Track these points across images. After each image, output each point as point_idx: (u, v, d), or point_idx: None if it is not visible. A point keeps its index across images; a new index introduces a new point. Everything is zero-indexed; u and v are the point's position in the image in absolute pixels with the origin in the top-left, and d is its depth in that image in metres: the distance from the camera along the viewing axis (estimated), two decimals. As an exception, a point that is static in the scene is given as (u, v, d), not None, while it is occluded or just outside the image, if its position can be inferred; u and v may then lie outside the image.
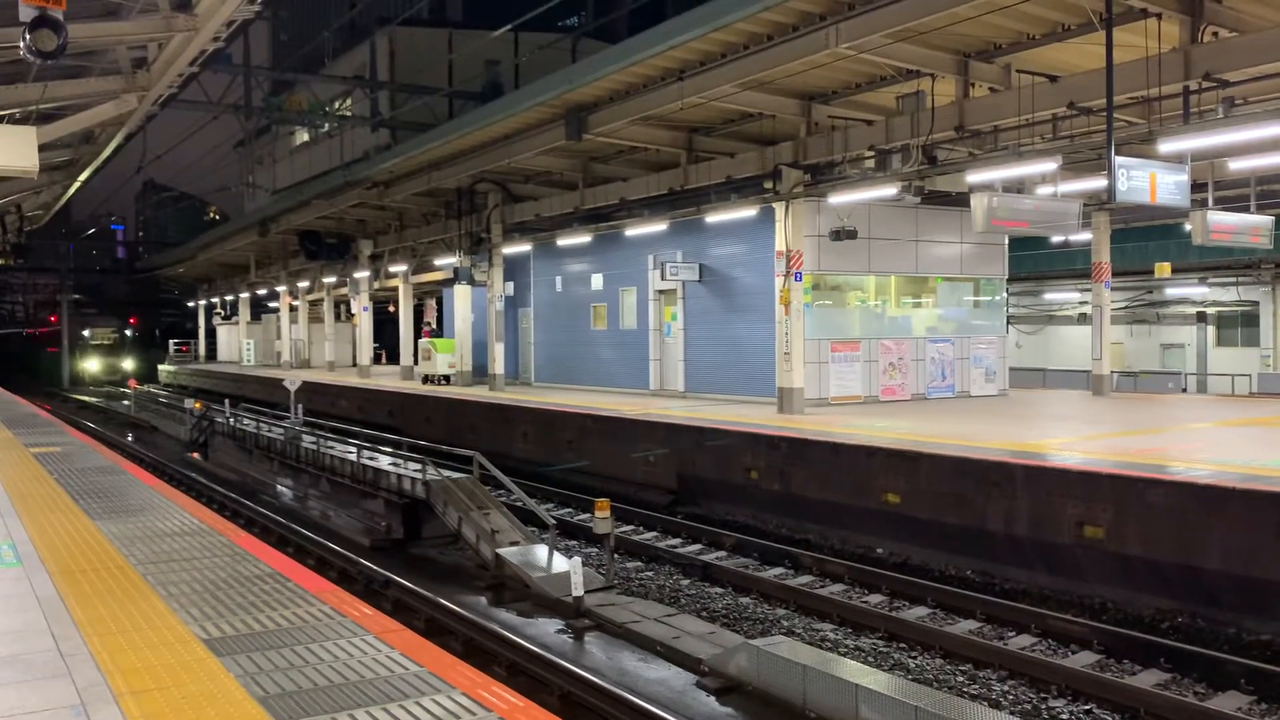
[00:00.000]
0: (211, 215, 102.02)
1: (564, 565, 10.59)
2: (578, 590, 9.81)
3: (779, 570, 11.71)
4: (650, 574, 11.86)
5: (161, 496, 9.89)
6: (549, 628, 9.70)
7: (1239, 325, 28.87)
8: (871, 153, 15.26)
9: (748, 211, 17.91)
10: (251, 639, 5.24)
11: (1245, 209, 16.55)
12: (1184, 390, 25.36)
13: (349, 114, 34.97)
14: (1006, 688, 8.09)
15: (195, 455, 23.00)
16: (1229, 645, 8.62)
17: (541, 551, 11.23)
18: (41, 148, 11.03)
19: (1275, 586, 8.84)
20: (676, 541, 13.29)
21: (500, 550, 11.26)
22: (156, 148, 25.25)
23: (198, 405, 25.90)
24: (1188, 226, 15.68)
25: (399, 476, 13.56)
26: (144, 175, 39.64)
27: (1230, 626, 8.95)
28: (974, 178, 13.64)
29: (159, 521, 8.48)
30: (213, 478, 19.63)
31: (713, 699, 7.78)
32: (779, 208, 16.74)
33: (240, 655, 4.98)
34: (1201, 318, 29.77)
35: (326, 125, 35.92)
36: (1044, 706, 7.68)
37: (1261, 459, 11.07)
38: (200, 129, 25.61)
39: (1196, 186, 13.88)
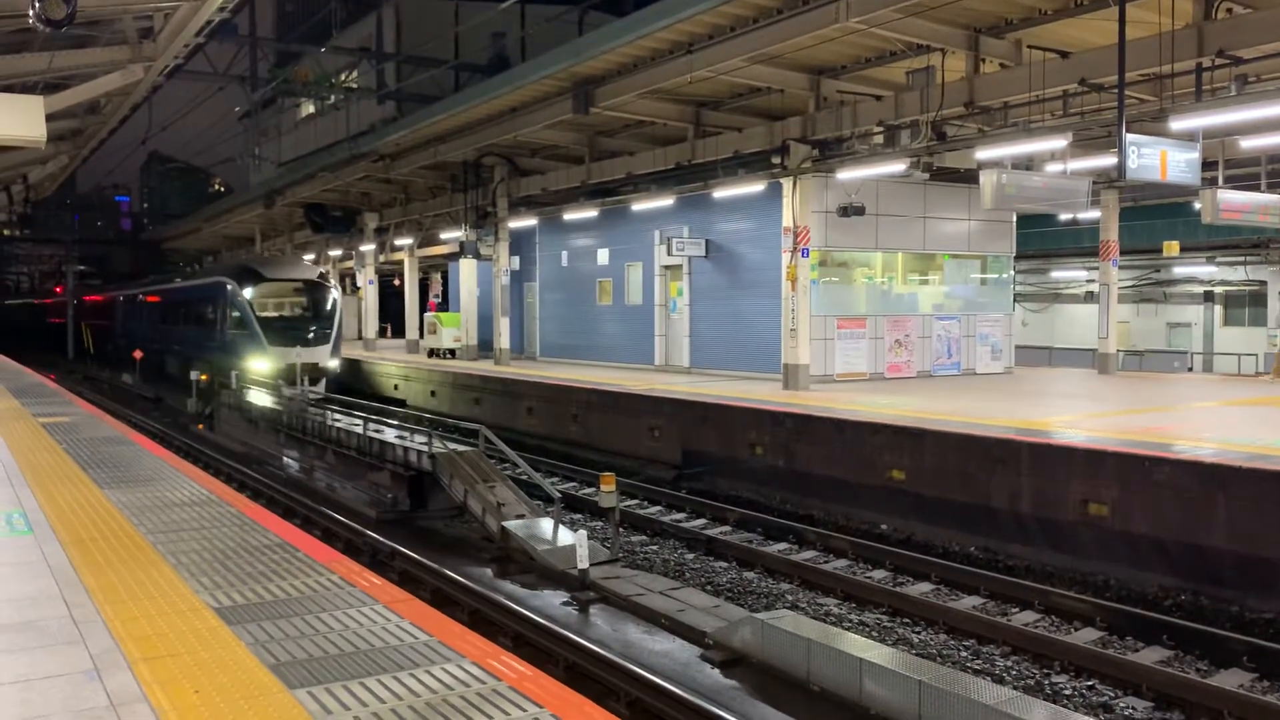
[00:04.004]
0: (216, 187, 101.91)
1: (569, 538, 10.64)
2: (583, 563, 9.86)
3: (783, 545, 11.75)
4: (655, 548, 11.91)
5: (170, 467, 9.94)
6: (554, 600, 9.76)
7: (1246, 305, 28.80)
8: (880, 128, 15.18)
9: (755, 187, 17.85)
10: (261, 608, 5.28)
11: (1255, 188, 16.48)
12: (1190, 369, 25.34)
13: (355, 86, 34.81)
14: (1010, 663, 8.14)
15: (200, 427, 23.09)
16: (1231, 623, 8.65)
17: (547, 525, 11.28)
18: (48, 118, 11.01)
19: (1278, 565, 8.86)
20: (681, 516, 13.34)
21: (506, 523, 11.31)
22: (162, 119, 25.15)
23: (204, 377, 25.94)
24: (1197, 205, 15.63)
25: (405, 449, 13.60)
26: (149, 146, 39.50)
27: (1233, 604, 8.99)
28: (983, 154, 13.59)
29: (168, 491, 8.53)
30: (219, 449, 19.72)
31: (717, 671, 7.83)
32: (786, 183, 16.68)
33: (251, 624, 5.02)
34: (1209, 297, 29.69)
35: (332, 97, 35.75)
36: (1047, 682, 7.72)
37: (1266, 438, 11.07)
38: (206, 100, 25.61)
39: (1207, 165, 13.82)
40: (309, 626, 4.98)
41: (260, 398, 20.43)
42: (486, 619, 8.95)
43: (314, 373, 22.67)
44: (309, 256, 37.23)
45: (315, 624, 5.03)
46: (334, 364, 24.04)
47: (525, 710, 3.96)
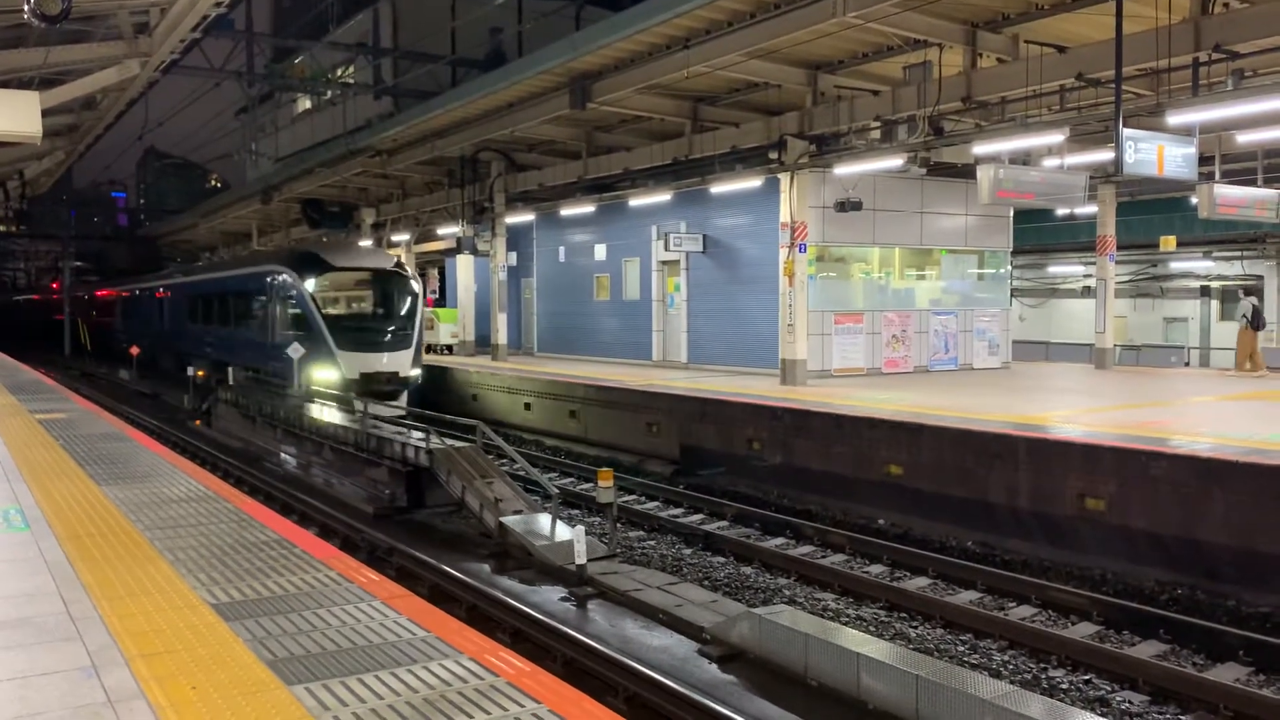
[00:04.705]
0: (213, 183, 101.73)
1: (567, 534, 10.65)
2: (580, 558, 9.87)
3: (781, 540, 11.76)
4: (652, 543, 11.92)
5: (167, 463, 9.93)
6: (552, 595, 9.77)
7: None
8: (878, 123, 15.19)
9: (752, 182, 17.84)
10: (259, 604, 5.28)
11: (1252, 182, 16.50)
12: (1186, 364, 25.36)
13: (351, 81, 34.75)
14: (1007, 657, 8.15)
15: (198, 423, 23.06)
16: (1228, 617, 8.67)
17: (545, 520, 11.28)
18: (44, 113, 10.98)
19: (1274, 559, 8.88)
20: (679, 511, 13.34)
21: (504, 519, 11.31)
22: (158, 115, 25.18)
23: (200, 374, 25.94)
24: (1194, 200, 15.64)
25: (403, 445, 13.60)
26: (146, 142, 39.41)
27: (1229, 599, 9.00)
28: (980, 149, 13.59)
29: (165, 487, 8.52)
30: (216, 445, 19.70)
31: (714, 666, 7.84)
32: (784, 178, 16.67)
33: (248, 620, 5.02)
34: (1205, 292, 29.70)
35: (329, 92, 35.67)
36: (1044, 676, 7.74)
37: (1262, 433, 11.09)
38: (202, 96, 25.50)
39: (1203, 159, 13.83)
40: (306, 623, 4.98)
41: (324, 413, 16.77)
42: (484, 615, 8.96)
43: (393, 384, 19.27)
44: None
45: (313, 620, 5.03)
46: (415, 372, 20.13)
47: (523, 706, 3.97)
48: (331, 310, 19.60)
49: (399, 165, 24.87)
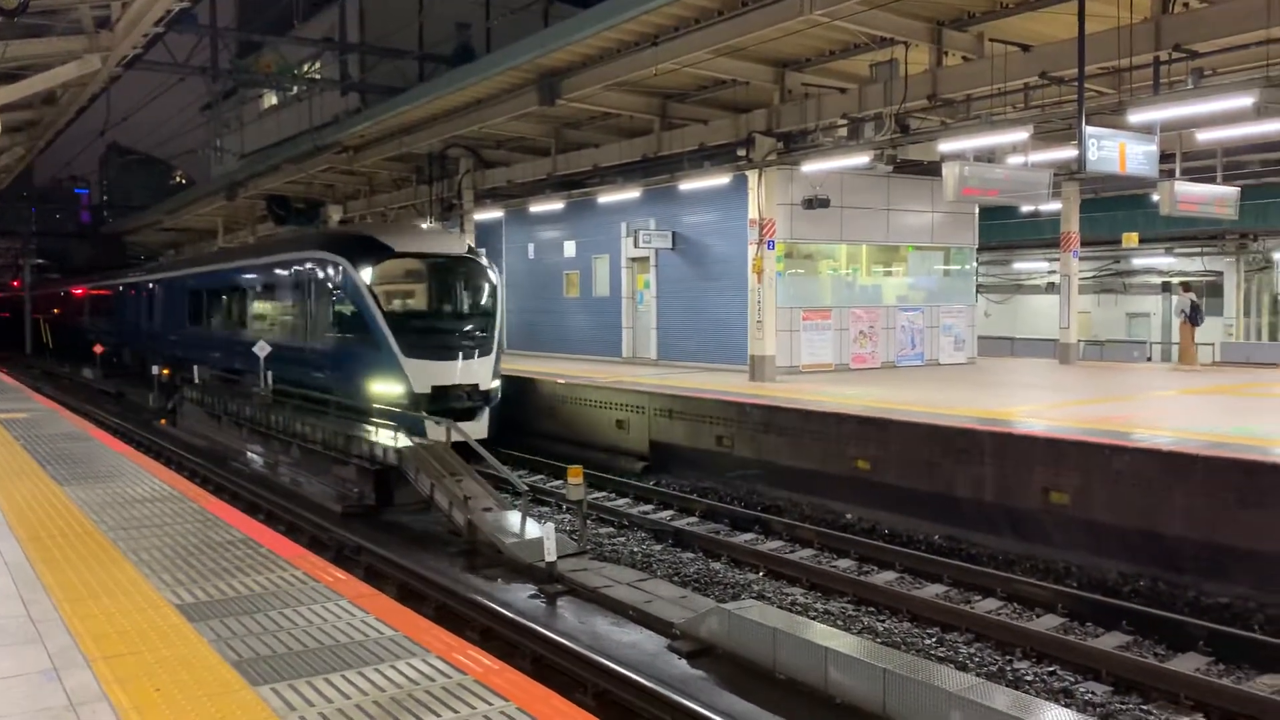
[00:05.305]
0: (178, 179, 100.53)
1: (537, 531, 10.63)
2: (550, 555, 9.86)
3: (750, 535, 11.81)
4: (622, 540, 11.93)
5: (130, 462, 9.82)
6: (522, 593, 9.75)
7: (1204, 295, 29.22)
8: (845, 121, 15.26)
9: (721, 179, 17.88)
10: (224, 604, 5.24)
11: (1212, 180, 16.73)
12: (1149, 359, 25.68)
13: (318, 77, 34.46)
14: (973, 650, 8.24)
15: (164, 422, 22.80)
16: (1189, 608, 8.81)
17: (514, 517, 11.26)
18: (2, 109, 10.81)
19: (1234, 551, 9.03)
20: (649, 507, 13.36)
21: (473, 516, 11.28)
22: (121, 110, 24.73)
23: (165, 371, 25.65)
24: (1155, 197, 15.83)
25: (370, 443, 13.52)
26: (108, 138, 38.85)
27: (1191, 590, 9.14)
28: (946, 147, 13.69)
29: (129, 487, 8.43)
30: (182, 444, 19.50)
31: (684, 662, 7.87)
32: (752, 176, 16.72)
33: (213, 620, 4.98)
34: (1167, 288, 30.11)
35: (295, 88, 35.37)
36: (1009, 668, 7.83)
37: (1223, 426, 11.26)
38: (166, 91, 25.15)
39: (1165, 157, 13.98)
40: (273, 622, 4.95)
41: (385, 438, 13.50)
42: (453, 613, 8.94)
43: (473, 399, 15.77)
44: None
45: (279, 620, 5.00)
46: (496, 384, 16.49)
47: (491, 704, 3.97)
48: (395, 307, 15.89)
49: (366, 162, 24.69)
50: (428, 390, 15.18)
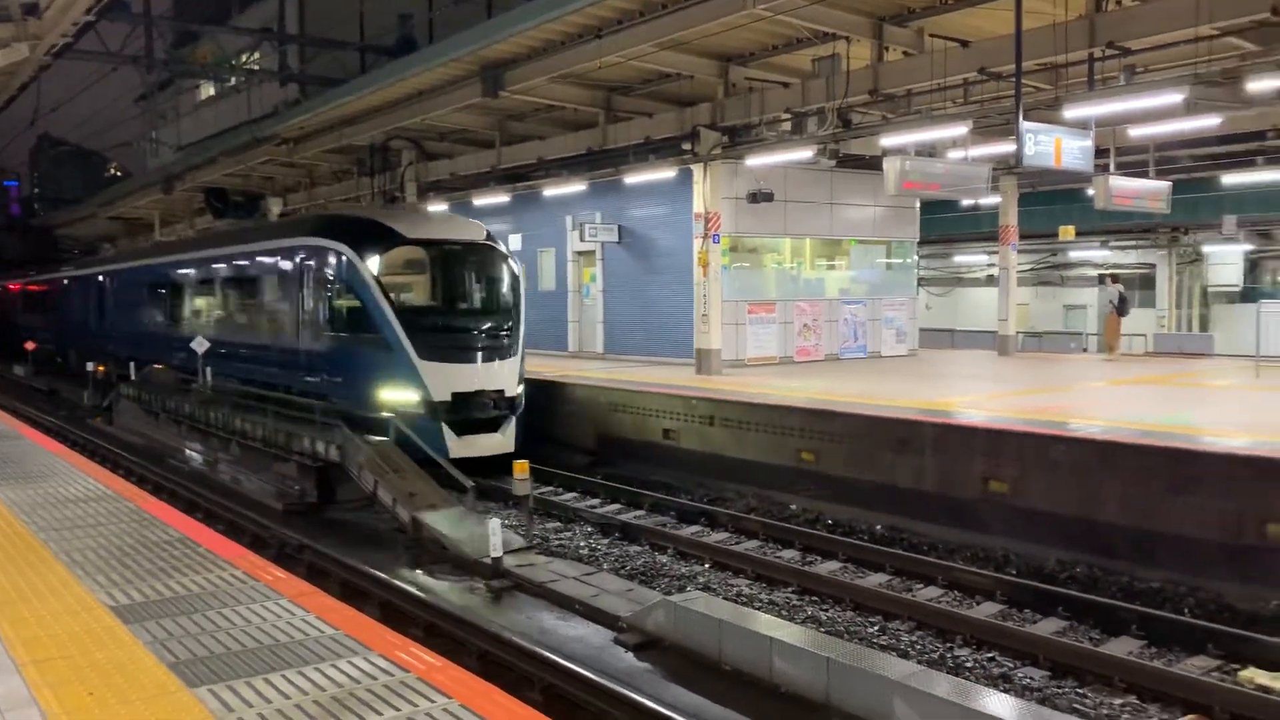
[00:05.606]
0: (113, 171, 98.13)
1: (482, 527, 10.57)
2: (496, 551, 9.82)
3: (696, 528, 11.87)
4: (569, 534, 11.91)
5: (64, 462, 9.58)
6: (468, 589, 9.70)
7: (1137, 287, 29.92)
8: (788, 115, 15.37)
9: (666, 173, 17.90)
10: (161, 605, 5.14)
11: (1145, 175, 17.13)
12: (1085, 350, 26.23)
13: (257, 68, 33.87)
14: (914, 638, 8.36)
15: (99, 420, 22.29)
16: (1122, 593, 9.02)
17: (459, 514, 11.18)
18: (-75, 98, 10.47)
19: (1165, 537, 9.27)
20: (595, 501, 13.35)
21: (418, 513, 11.19)
22: (53, 100, 24.05)
23: (100, 369, 25.08)
24: (1091, 191, 16.18)
25: (312, 439, 13.34)
26: (39, 129, 37.80)
27: (1124, 575, 9.36)
28: (887, 141, 13.85)
29: (61, 487, 8.23)
30: (118, 442, 19.08)
31: (630, 655, 7.88)
32: (697, 169, 16.77)
33: (150, 621, 4.88)
34: (1102, 280, 30.79)
35: (233, 79, 34.72)
36: (949, 655, 7.95)
37: (1154, 415, 11.55)
38: (99, 81, 24.56)
39: (1099, 152, 14.29)
40: (210, 623, 4.87)
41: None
42: (398, 610, 8.86)
43: (499, 407, 14.02)
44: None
45: (217, 620, 4.91)
46: (521, 389, 14.76)
47: (434, 701, 3.94)
48: (407, 301, 14.17)
49: (306, 154, 24.34)
50: (447, 398, 13.45)
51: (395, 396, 13.54)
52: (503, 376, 14.17)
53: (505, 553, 9.93)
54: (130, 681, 4.13)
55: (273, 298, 16.78)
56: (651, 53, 14.23)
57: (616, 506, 13.03)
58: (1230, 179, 21.36)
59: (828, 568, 10.19)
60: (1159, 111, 13.01)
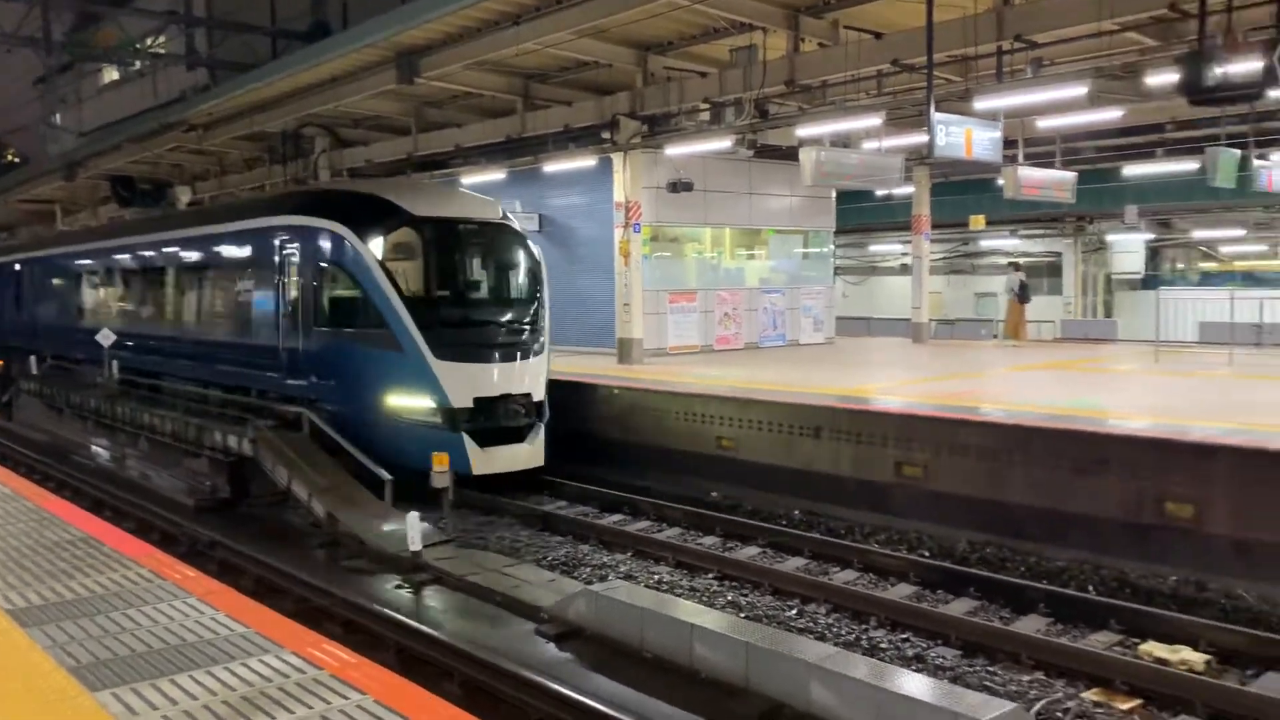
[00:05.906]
0: (10, 157, 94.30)
1: (400, 520, 10.43)
2: (415, 545, 9.70)
3: (618, 517, 11.88)
4: (490, 526, 11.82)
5: (-43, 461, 9.20)
6: (386, 584, 9.57)
7: (1045, 275, 30.81)
8: (706, 105, 15.43)
9: (586, 161, 17.84)
10: (61, 607, 4.97)
11: (1051, 165, 17.62)
12: (995, 337, 26.94)
13: (163, 52, 32.81)
14: (831, 620, 8.49)
15: (-3, 417, 21.45)
16: (1030, 573, 9.29)
17: (377, 507, 11.02)
18: None
19: (1070, 517, 9.58)
20: (517, 493, 13.26)
21: (333, 508, 10.99)
22: (-58, 82, 22.93)
23: (-1, 362, 24.12)
24: (1000, 181, 16.60)
25: (224, 433, 13.02)
26: (-72, 112, 36.08)
27: (1032, 555, 9.65)
28: (803, 132, 14.01)
29: (-46, 487, 7.90)
30: (17, 439, 18.38)
31: (551, 645, 7.87)
32: (617, 158, 16.75)
33: (49, 625, 4.72)
34: (1013, 268, 31.62)
35: (138, 63, 33.58)
36: (865, 637, 8.10)
37: (1061, 399, 11.91)
38: (-8, 63, 23.51)
39: (1008, 143, 14.67)
40: (114, 624, 4.72)
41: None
42: (315, 607, 8.70)
43: (526, 414, 12.33)
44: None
45: (121, 621, 4.77)
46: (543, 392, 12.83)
47: (348, 698, 3.88)
48: (418, 291, 12.20)
49: (216, 140, 23.68)
50: (469, 404, 11.76)
51: (405, 403, 11.93)
52: (530, 378, 12.47)
53: (424, 546, 9.83)
54: (27, 687, 3.99)
55: (243, 287, 14.43)
56: (570, 40, 14.14)
57: (538, 498, 12.96)
58: (1131, 170, 22.08)
59: (747, 553, 10.30)
60: (1065, 104, 13.41)
